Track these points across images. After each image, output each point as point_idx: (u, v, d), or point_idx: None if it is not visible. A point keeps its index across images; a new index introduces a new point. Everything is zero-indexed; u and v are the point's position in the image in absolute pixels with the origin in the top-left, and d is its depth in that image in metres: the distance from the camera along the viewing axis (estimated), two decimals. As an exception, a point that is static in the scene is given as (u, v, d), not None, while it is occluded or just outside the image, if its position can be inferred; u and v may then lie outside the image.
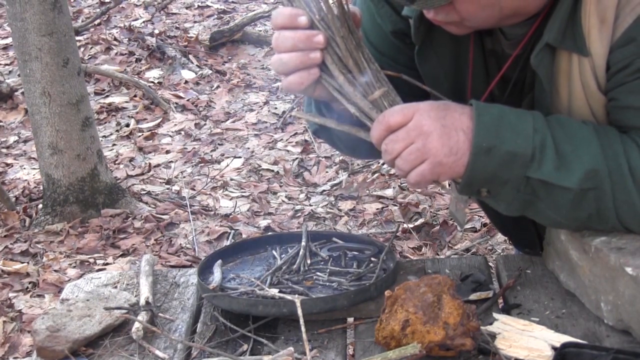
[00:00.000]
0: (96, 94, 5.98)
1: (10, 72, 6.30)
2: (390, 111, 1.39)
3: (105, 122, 5.64)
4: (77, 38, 5.84)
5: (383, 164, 4.80)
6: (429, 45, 1.58)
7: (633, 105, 1.41)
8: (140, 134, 5.45)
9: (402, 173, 1.40)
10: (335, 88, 1.42)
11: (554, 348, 1.38)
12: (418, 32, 1.55)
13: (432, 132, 1.36)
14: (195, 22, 7.28)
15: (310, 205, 4.45)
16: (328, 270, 1.68)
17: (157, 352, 1.48)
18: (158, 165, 5.00)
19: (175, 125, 5.58)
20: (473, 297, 1.58)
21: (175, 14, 7.44)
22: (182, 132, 5.46)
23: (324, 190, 4.62)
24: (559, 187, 1.39)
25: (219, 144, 5.28)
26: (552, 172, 1.38)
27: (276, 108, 5.74)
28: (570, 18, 1.41)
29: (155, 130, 5.50)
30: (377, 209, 4.34)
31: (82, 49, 6.48)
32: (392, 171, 4.72)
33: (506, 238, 3.80)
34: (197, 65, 6.42)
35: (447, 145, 1.36)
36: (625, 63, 1.39)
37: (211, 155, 5.10)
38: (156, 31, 6.86)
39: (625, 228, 1.44)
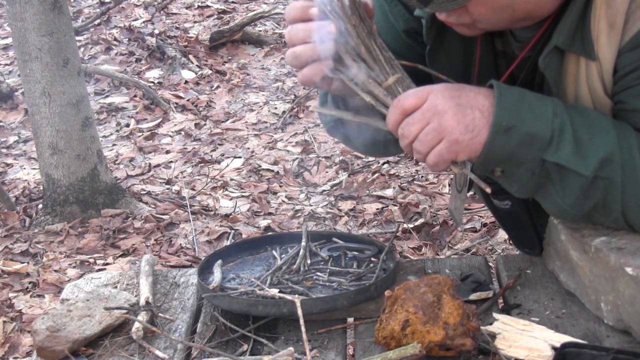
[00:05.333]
0: (96, 94, 5.98)
1: (10, 72, 6.30)
2: (405, 95, 1.39)
3: (105, 122, 5.64)
4: (77, 38, 5.84)
5: (383, 164, 4.80)
6: (440, 46, 1.58)
7: (639, 109, 1.41)
8: (140, 134, 5.45)
9: (421, 156, 1.40)
10: (349, 78, 1.42)
11: (554, 348, 1.38)
12: (430, 32, 1.56)
13: (447, 111, 1.36)
14: (195, 22, 7.28)
15: (310, 205, 4.45)
16: (328, 270, 1.68)
17: (157, 352, 1.48)
18: (158, 165, 5.00)
19: (175, 125, 5.58)
20: (473, 297, 1.58)
21: (175, 14, 7.44)
22: (182, 132, 5.46)
23: (324, 190, 4.62)
24: (573, 173, 1.39)
25: (219, 144, 5.28)
26: (569, 156, 1.38)
27: (276, 108, 5.74)
28: (579, 22, 1.41)
29: (155, 130, 5.50)
30: (377, 209, 4.34)
31: (82, 49, 6.48)
32: (392, 171, 4.72)
33: (506, 238, 3.82)
34: (197, 65, 6.42)
35: (462, 122, 1.37)
36: (633, 67, 1.40)
37: (211, 155, 5.10)
38: (156, 31, 6.87)
39: (626, 222, 1.45)
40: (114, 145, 5.33)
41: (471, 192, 2.13)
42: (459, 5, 1.35)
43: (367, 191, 4.54)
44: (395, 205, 4.33)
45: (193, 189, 4.66)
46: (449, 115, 1.36)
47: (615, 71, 1.42)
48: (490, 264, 1.81)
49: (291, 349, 1.39)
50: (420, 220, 4.14)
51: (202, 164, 4.98)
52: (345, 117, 1.51)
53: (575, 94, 1.47)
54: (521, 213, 1.77)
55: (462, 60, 1.60)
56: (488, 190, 1.41)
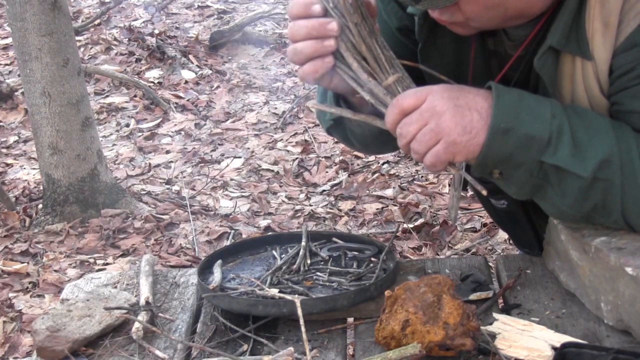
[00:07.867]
0: (96, 94, 5.98)
1: (10, 72, 6.30)
2: (404, 94, 1.39)
3: (105, 122, 5.64)
4: (77, 38, 5.84)
5: (383, 164, 4.80)
6: (432, 44, 1.58)
7: (636, 110, 1.41)
8: (140, 134, 5.46)
9: (418, 156, 1.40)
10: (349, 75, 1.42)
11: (554, 348, 1.38)
12: (422, 30, 1.56)
13: (445, 112, 1.36)
14: (195, 22, 7.28)
15: (310, 205, 4.45)
16: (328, 270, 1.68)
17: (157, 352, 1.48)
18: (158, 165, 5.00)
19: (175, 125, 5.58)
20: (473, 297, 1.58)
21: (175, 14, 7.44)
22: (182, 132, 5.46)
23: (324, 190, 4.62)
24: (572, 174, 1.39)
25: (219, 144, 5.28)
26: (567, 158, 1.38)
27: (276, 108, 5.74)
28: (574, 22, 1.41)
29: (155, 130, 5.50)
30: (377, 209, 4.34)
31: (82, 49, 6.48)
32: (392, 171, 4.72)
33: (506, 238, 3.82)
34: (197, 65, 6.42)
35: (460, 124, 1.36)
36: (628, 67, 1.39)
37: (211, 155, 5.10)
38: (156, 31, 6.86)
39: (626, 223, 1.44)
40: (114, 145, 5.33)
41: (470, 192, 2.13)
42: (450, 2, 1.35)
43: (367, 191, 4.53)
44: (395, 205, 4.33)
45: (193, 189, 4.66)
46: (447, 116, 1.36)
47: (610, 72, 1.42)
48: (490, 264, 1.81)
49: (291, 349, 1.39)
50: (420, 220, 4.14)
51: (202, 164, 4.98)
52: (344, 115, 1.52)
53: (572, 94, 1.47)
54: (518, 212, 1.77)
55: (454, 59, 1.60)
56: (484, 192, 1.41)
